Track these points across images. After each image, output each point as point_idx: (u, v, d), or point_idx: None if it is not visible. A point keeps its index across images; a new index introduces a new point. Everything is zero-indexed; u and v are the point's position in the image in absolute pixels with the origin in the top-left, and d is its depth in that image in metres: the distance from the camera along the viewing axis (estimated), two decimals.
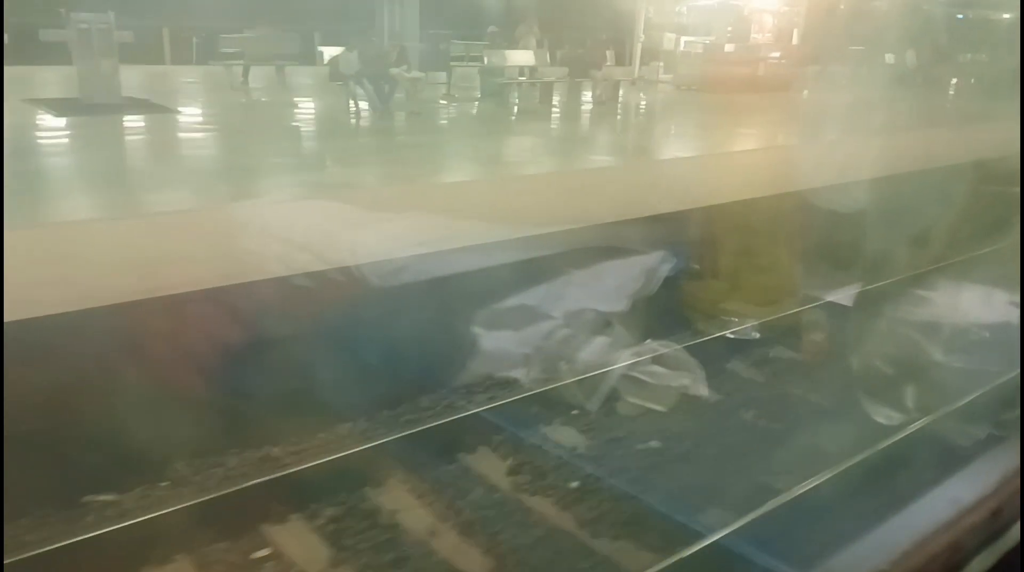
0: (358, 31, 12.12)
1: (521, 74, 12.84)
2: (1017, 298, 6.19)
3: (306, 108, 11.69)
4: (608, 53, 13.49)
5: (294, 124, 10.01)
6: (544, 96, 12.99)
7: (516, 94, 13.03)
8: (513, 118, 11.64)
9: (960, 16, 22.04)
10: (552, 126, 11.44)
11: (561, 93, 13.48)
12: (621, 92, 13.35)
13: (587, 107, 12.79)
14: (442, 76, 13.35)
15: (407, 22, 11.67)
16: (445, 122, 10.94)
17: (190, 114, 9.80)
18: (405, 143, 9.19)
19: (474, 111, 12.06)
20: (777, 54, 16.71)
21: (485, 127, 10.77)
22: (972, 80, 20.80)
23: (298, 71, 12.62)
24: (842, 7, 18.49)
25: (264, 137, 9.05)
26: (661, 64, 17.25)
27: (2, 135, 6.56)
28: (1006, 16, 21.68)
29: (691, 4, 17.16)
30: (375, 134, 9.66)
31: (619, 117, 12.50)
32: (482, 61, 12.49)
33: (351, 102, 10.19)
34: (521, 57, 12.68)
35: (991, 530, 1.15)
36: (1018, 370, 4.86)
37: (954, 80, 20.50)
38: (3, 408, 3.02)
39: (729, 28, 16.19)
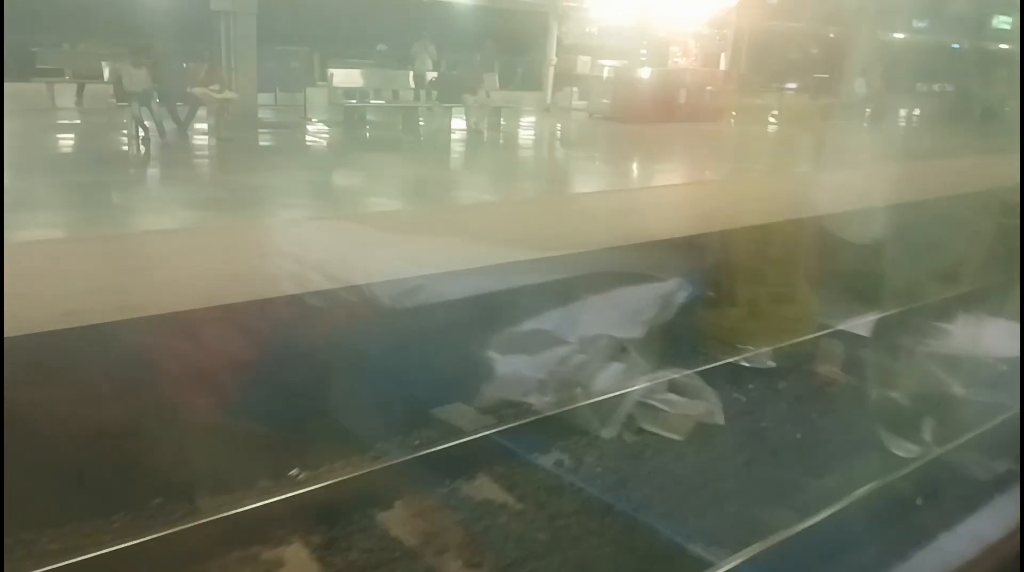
0: (187, 47, 10.50)
1: (378, 97, 11.20)
2: None
3: (69, 134, 9.84)
4: (487, 76, 11.84)
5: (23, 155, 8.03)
6: (408, 123, 11.33)
7: (370, 119, 11.37)
8: (346, 147, 9.85)
9: (949, 45, 20.55)
10: (379, 158, 9.47)
11: (438, 120, 11.74)
12: (502, 120, 11.68)
13: (456, 136, 11.06)
14: (291, 98, 11.67)
15: (240, 37, 10.02)
16: (242, 153, 9.02)
17: None
18: (128, 179, 7.32)
19: (309, 139, 10.33)
20: (702, 80, 15.12)
21: (286, 159, 8.93)
22: (930, 110, 19.36)
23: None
24: (777, 29, 16.97)
25: None
26: (575, 90, 15.62)
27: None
28: (959, 45, 20.31)
29: (605, 25, 15.53)
30: (113, 167, 7.71)
31: (468, 150, 10.52)
32: (331, 81, 10.81)
33: (136, 127, 8.51)
34: (377, 78, 11.06)
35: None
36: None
37: (913, 111, 19.05)
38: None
39: (643, 51, 14.56)
